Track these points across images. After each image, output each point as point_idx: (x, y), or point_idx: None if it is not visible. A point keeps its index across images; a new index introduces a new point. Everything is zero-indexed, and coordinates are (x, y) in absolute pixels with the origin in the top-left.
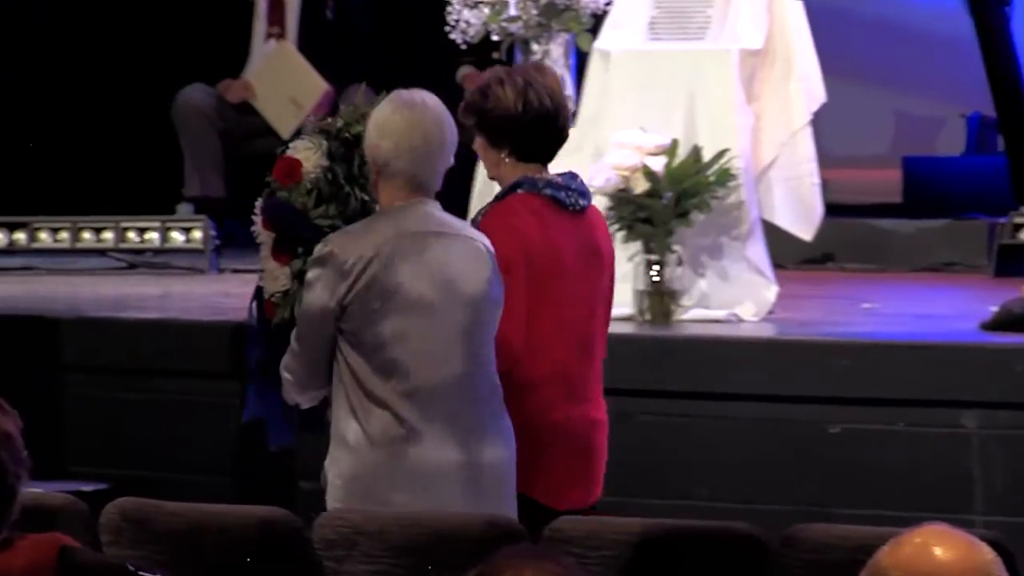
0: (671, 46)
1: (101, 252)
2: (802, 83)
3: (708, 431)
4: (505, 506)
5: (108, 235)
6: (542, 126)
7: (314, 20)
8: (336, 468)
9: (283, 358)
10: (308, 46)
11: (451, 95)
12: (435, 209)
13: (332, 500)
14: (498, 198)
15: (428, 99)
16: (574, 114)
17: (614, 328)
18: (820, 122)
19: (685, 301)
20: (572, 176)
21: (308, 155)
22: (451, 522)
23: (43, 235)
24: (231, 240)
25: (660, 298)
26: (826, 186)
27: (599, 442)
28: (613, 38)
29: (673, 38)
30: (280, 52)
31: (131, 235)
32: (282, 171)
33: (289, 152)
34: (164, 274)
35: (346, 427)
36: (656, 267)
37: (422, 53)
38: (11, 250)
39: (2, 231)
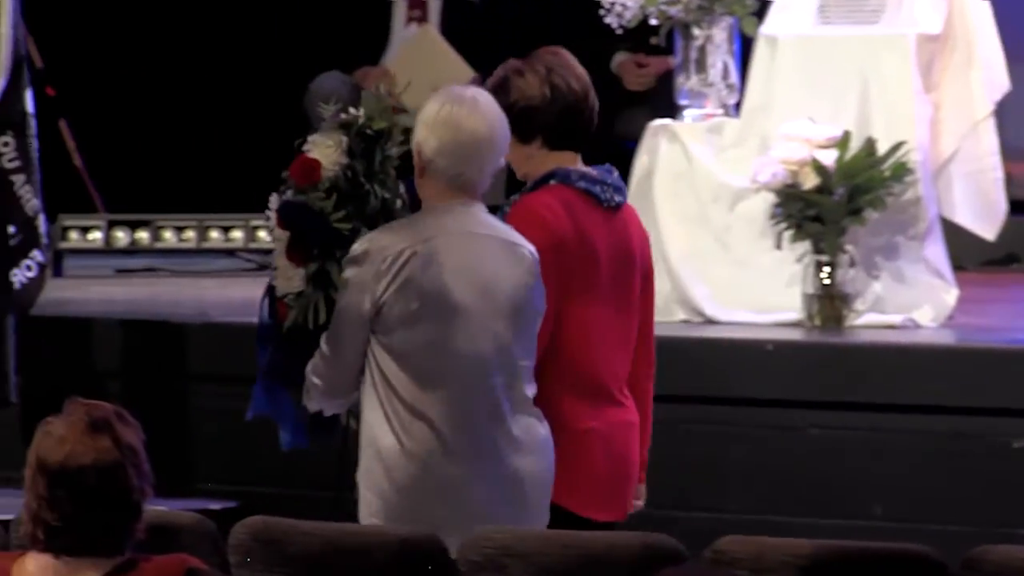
0: (843, 30)
1: (230, 252)
2: (984, 71)
3: (883, 445)
4: (542, 517)
5: (237, 234)
6: (573, 110)
7: (458, 2)
8: (371, 481)
9: (311, 362)
10: (451, 30)
11: (605, 84)
12: (479, 210)
13: (369, 516)
14: (529, 189)
15: (480, 96)
16: (737, 104)
17: (780, 334)
18: (1003, 112)
19: (858, 305)
20: (608, 170)
21: (327, 152)
22: (606, 542)
23: (167, 234)
24: None
25: (831, 302)
26: (1010, 181)
27: (632, 446)
28: (780, 22)
29: (845, 22)
30: (422, 37)
31: (262, 234)
32: (299, 171)
33: (307, 149)
34: None
35: (380, 436)
36: (827, 269)
37: (574, 38)
38: (133, 250)
39: (124, 230)
